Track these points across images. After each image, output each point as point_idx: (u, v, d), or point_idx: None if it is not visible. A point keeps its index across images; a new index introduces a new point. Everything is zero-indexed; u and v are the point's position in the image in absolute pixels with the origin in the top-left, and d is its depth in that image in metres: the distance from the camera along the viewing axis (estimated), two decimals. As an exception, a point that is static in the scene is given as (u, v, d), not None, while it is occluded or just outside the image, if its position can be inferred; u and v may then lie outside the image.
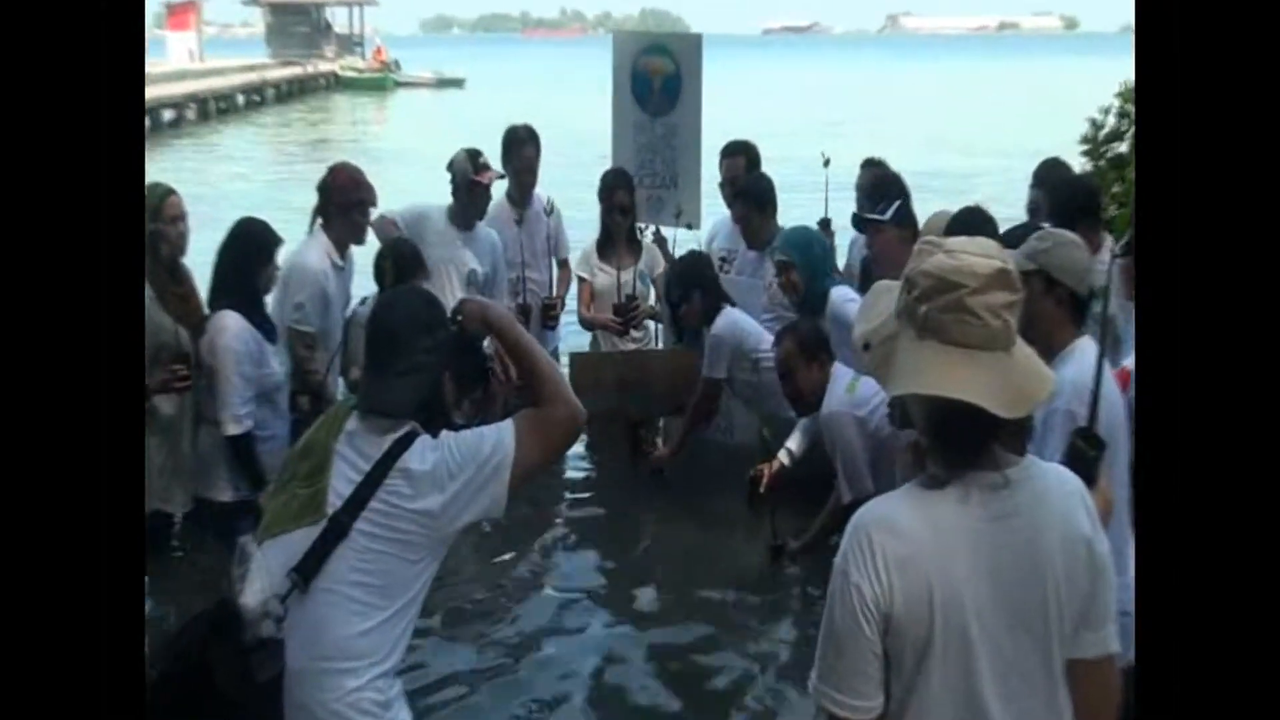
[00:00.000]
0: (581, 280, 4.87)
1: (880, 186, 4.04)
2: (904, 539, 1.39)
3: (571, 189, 5.15)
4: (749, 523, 3.94)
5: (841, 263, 4.41)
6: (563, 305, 4.85)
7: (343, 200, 3.82)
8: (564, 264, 4.95)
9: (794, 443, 3.92)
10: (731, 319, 4.24)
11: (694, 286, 4.27)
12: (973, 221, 3.05)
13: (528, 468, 1.95)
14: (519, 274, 4.64)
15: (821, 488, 3.61)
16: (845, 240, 4.64)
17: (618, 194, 4.78)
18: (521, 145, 4.73)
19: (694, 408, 4.36)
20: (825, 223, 4.56)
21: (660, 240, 4.98)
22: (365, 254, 4.06)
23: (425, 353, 1.97)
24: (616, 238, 4.83)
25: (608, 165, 5.09)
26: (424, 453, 1.93)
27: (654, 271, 4.86)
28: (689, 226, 4.89)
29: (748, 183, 4.59)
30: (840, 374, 3.61)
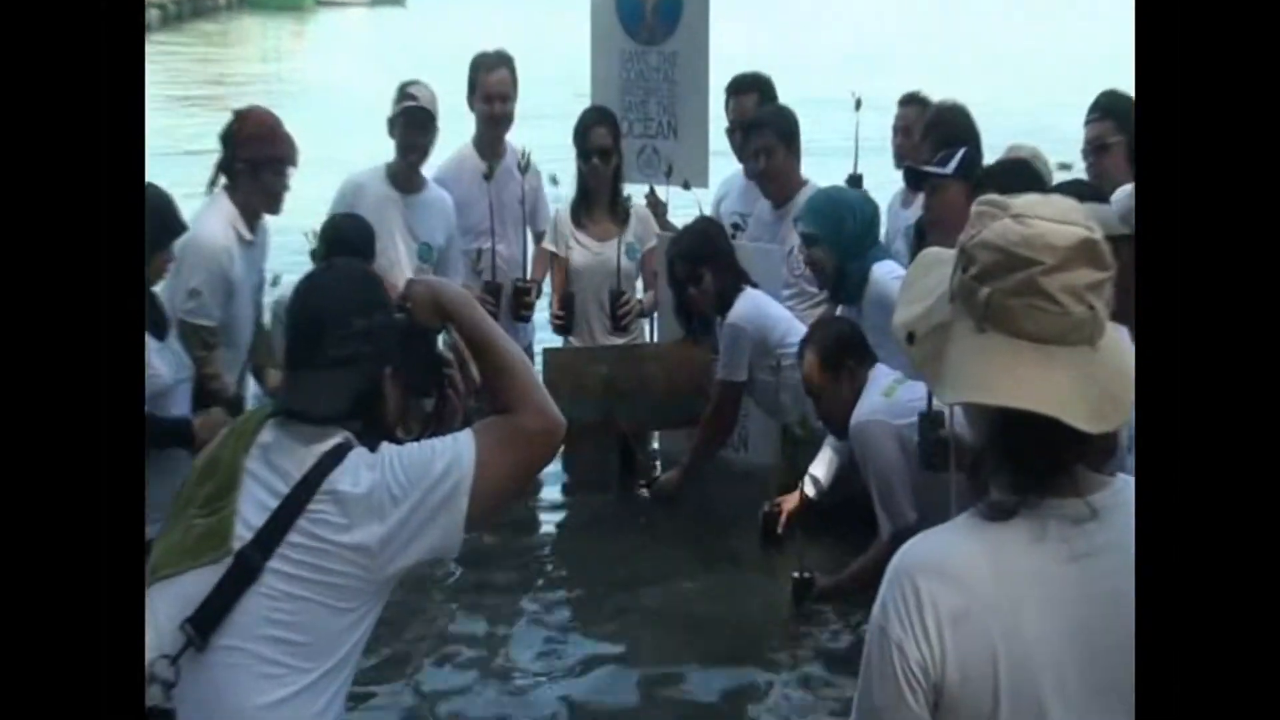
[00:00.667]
0: (553, 257, 4.82)
1: (940, 128, 4.02)
2: (960, 587, 1.36)
3: (547, 148, 5.14)
4: (766, 563, 3.98)
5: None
6: (539, 292, 4.87)
7: (251, 155, 3.74)
8: (541, 238, 4.95)
9: (820, 467, 3.96)
10: (753, 304, 4.23)
11: (705, 262, 4.26)
12: (1019, 174, 3.08)
13: (492, 492, 1.94)
14: (485, 246, 4.65)
15: (862, 528, 3.64)
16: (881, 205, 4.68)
17: (596, 133, 4.69)
18: (490, 70, 4.73)
19: (708, 421, 4.36)
20: (855, 181, 4.58)
21: (655, 204, 4.97)
22: (284, 224, 4.05)
23: (361, 342, 1.96)
24: (596, 197, 4.76)
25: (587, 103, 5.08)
26: (359, 471, 1.91)
27: (645, 244, 4.83)
28: (685, 186, 4.86)
29: (765, 112, 4.59)
30: (879, 375, 3.66)
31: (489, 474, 1.93)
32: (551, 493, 4.69)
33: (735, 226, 4.82)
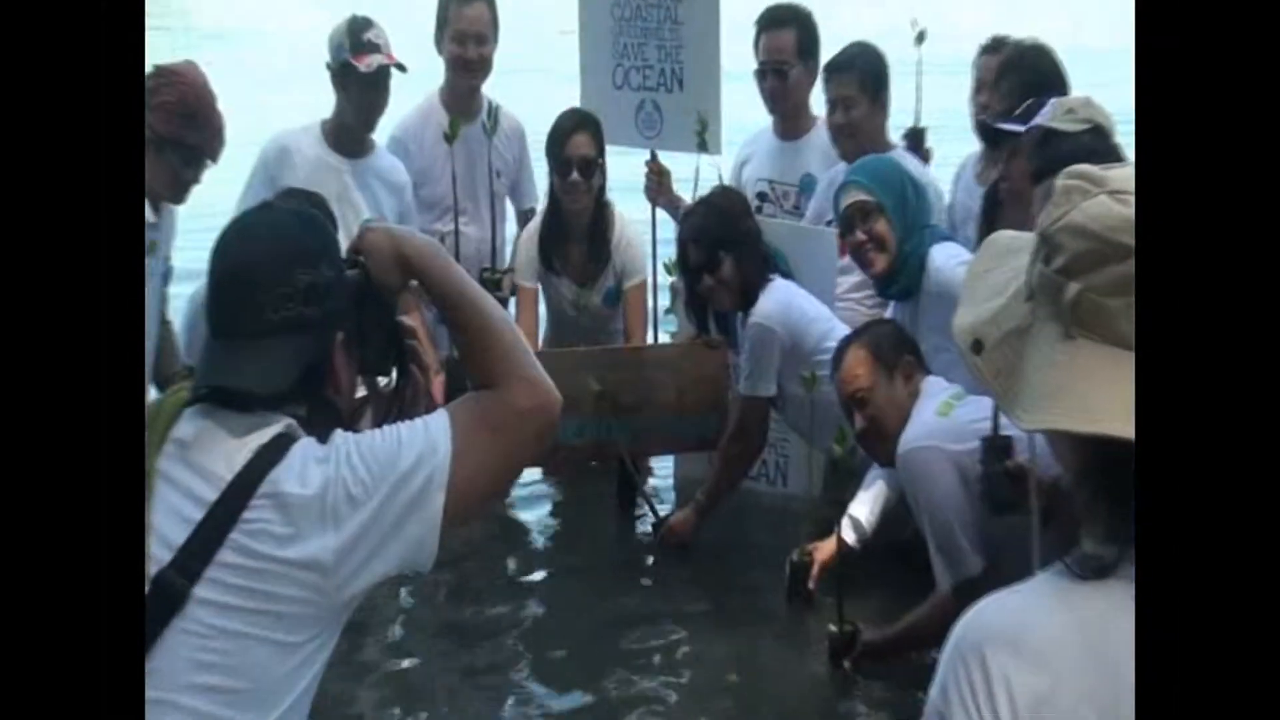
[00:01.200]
0: (520, 289, 4.81)
1: (1018, 72, 3.97)
2: (1041, 666, 1.34)
3: (527, 102, 5.15)
4: (799, 625, 3.98)
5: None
6: (513, 288, 4.87)
7: (162, 130, 3.70)
8: (527, 218, 4.98)
9: (863, 506, 3.93)
10: (785, 299, 4.23)
11: (724, 245, 4.24)
12: (1101, 136, 3.10)
13: (473, 486, 1.94)
14: (449, 224, 4.67)
15: (916, 578, 3.63)
16: (944, 173, 4.65)
17: (575, 143, 4.62)
18: (465, 2, 4.73)
19: (730, 444, 4.37)
20: (916, 137, 4.58)
21: (658, 174, 4.94)
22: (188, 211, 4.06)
23: (305, 302, 1.93)
24: (572, 226, 4.75)
25: (573, 47, 5.06)
26: (307, 467, 1.88)
27: (631, 281, 4.82)
28: (701, 146, 4.78)
29: (848, 53, 4.54)
30: (932, 388, 3.63)
31: (469, 464, 1.92)
32: (536, 529, 4.73)
33: (762, 198, 4.85)
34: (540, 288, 4.80)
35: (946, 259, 3.81)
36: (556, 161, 4.64)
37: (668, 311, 4.89)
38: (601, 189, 4.73)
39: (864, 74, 4.45)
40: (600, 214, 4.74)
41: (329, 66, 4.43)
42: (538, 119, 4.93)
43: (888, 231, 3.89)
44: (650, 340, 4.89)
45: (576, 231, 4.75)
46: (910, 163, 4.27)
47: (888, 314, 4.16)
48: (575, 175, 4.60)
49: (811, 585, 3.92)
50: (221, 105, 3.88)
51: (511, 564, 4.53)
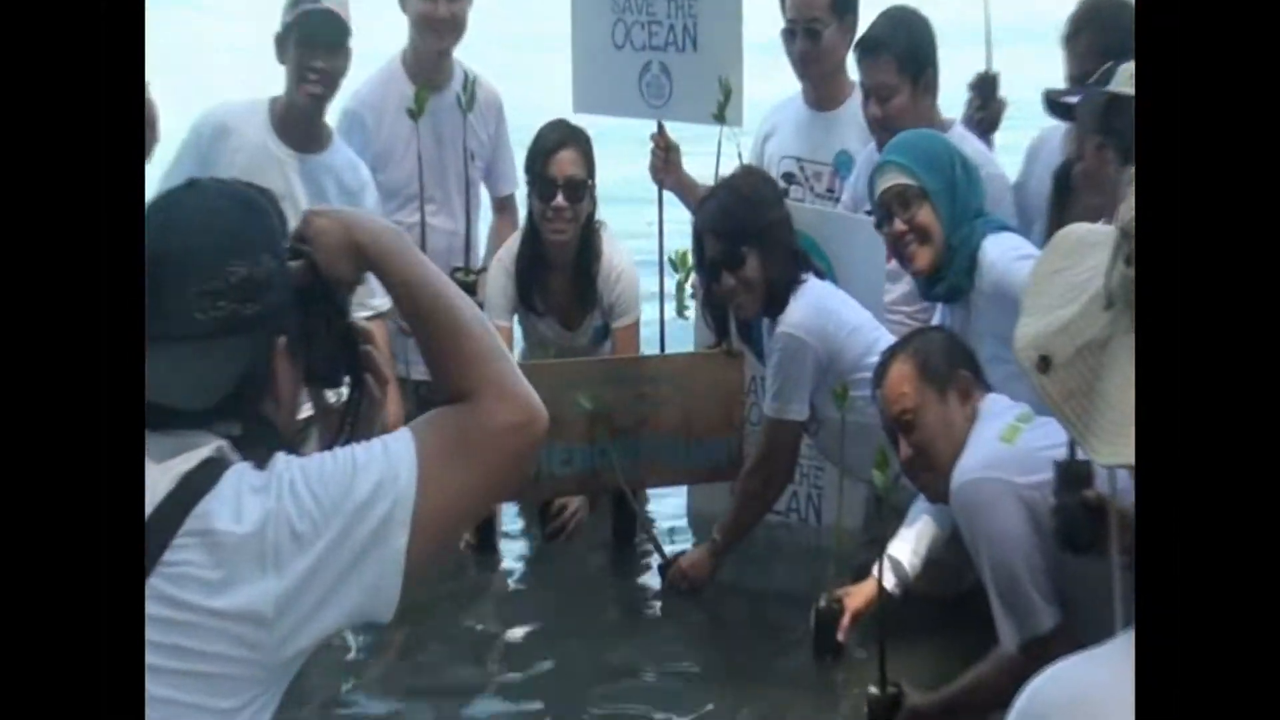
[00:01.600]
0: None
1: (1094, 31, 3.95)
2: None
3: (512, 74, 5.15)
4: (828, 684, 3.98)
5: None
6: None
7: None
8: (504, 206, 5.03)
9: (904, 545, 3.92)
10: (819, 303, 4.23)
11: (748, 238, 4.24)
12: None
13: (443, 519, 1.93)
14: (413, 214, 4.69)
15: (973, 631, 3.61)
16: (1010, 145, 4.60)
17: (561, 161, 4.63)
18: None
19: (752, 473, 4.39)
20: (986, 86, 4.55)
21: (665, 149, 4.92)
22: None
23: (240, 299, 1.93)
24: (553, 258, 4.76)
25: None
26: (241, 498, 1.87)
27: (621, 321, 4.83)
28: (719, 118, 4.77)
29: (879, 29, 4.49)
30: (994, 408, 3.61)
31: (438, 493, 1.91)
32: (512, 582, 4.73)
33: (789, 179, 4.85)
34: (514, 324, 4.83)
35: (1003, 252, 3.79)
36: (538, 182, 4.65)
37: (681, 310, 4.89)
38: (590, 216, 4.74)
39: (901, 55, 4.37)
40: (587, 243, 4.74)
41: (277, 37, 4.40)
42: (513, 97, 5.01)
43: (932, 220, 3.87)
44: (659, 349, 4.91)
45: (559, 263, 4.76)
46: (970, 143, 4.23)
47: (935, 320, 4.15)
48: (560, 200, 4.61)
49: (841, 637, 3.90)
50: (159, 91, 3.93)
51: (484, 615, 4.51)
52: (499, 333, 4.61)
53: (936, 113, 4.49)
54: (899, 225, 3.91)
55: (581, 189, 4.64)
